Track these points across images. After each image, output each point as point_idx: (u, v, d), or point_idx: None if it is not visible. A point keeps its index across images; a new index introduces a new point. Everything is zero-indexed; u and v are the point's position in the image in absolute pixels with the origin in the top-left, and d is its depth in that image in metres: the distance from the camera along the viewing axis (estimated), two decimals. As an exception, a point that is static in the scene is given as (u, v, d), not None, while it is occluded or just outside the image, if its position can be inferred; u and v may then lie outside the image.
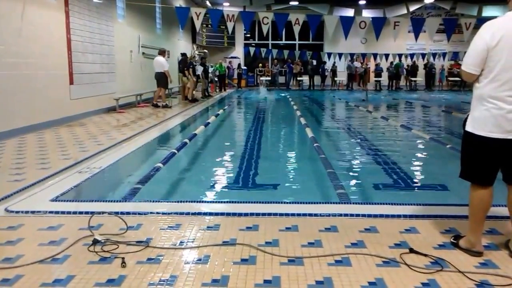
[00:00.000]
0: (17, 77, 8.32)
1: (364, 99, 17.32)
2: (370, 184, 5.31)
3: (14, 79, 8.24)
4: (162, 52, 14.45)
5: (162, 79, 13.97)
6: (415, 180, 5.68)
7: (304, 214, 3.81)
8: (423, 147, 8.09)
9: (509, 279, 2.66)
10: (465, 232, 3.20)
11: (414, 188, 5.35)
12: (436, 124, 11.67)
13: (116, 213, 3.73)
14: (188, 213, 3.85)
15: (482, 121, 2.93)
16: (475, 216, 3.06)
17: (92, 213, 3.66)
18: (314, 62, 26.94)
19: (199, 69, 17.53)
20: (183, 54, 17.38)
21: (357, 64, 26.87)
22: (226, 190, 5.17)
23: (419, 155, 7.49)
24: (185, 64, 16.37)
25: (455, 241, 3.21)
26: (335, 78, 27.73)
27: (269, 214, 3.81)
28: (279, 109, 15.34)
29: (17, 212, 3.91)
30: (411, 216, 3.76)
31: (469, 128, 3.03)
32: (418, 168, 6.49)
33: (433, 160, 6.95)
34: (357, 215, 3.79)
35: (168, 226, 3.57)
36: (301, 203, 4.18)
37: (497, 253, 3.06)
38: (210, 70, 21.57)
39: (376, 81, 26.81)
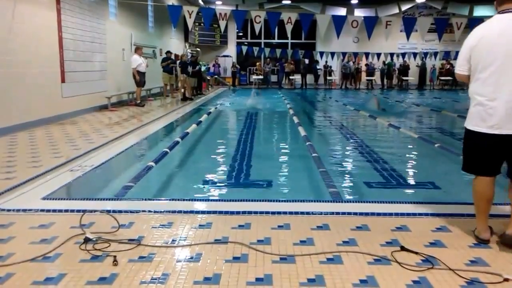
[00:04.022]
0: (8, 75, 8.26)
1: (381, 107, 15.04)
2: (362, 183, 5.34)
3: (5, 77, 8.18)
4: (136, 49, 14.25)
5: (133, 77, 13.88)
6: (406, 179, 5.71)
7: (296, 212, 3.82)
8: (414, 146, 8.14)
9: (499, 277, 2.68)
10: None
11: (405, 187, 5.37)
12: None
13: (108, 211, 3.73)
14: (180, 211, 3.85)
15: (472, 116, 3.20)
16: (477, 205, 3.27)
17: (84, 211, 3.65)
18: (307, 61, 26.97)
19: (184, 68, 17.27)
20: (167, 52, 17.22)
21: (350, 63, 26.95)
22: (218, 188, 5.18)
23: (411, 154, 7.53)
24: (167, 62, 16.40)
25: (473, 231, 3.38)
26: (328, 77, 27.80)
27: (261, 213, 3.81)
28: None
29: (8, 210, 3.90)
30: (402, 214, 3.79)
31: (465, 123, 3.29)
32: (409, 166, 6.53)
33: (425, 159, 7.00)
34: (349, 213, 3.81)
35: (160, 224, 3.56)
36: (293, 201, 4.19)
37: (487, 251, 3.09)
38: (203, 69, 21.46)
39: (368, 80, 26.90)
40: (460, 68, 3.26)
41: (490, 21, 3.19)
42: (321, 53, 26.53)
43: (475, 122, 3.16)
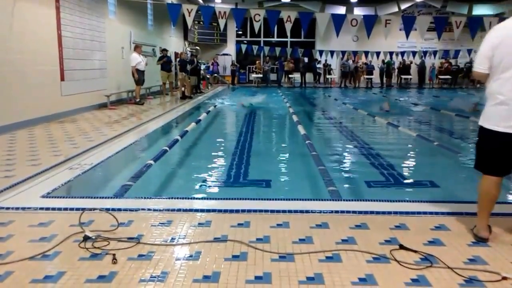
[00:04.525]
0: (8, 73, 8.25)
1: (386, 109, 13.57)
2: (361, 181, 5.34)
3: (5, 75, 8.17)
4: (135, 47, 14.24)
5: (132, 76, 13.86)
6: (405, 177, 5.72)
7: (295, 211, 3.82)
8: (412, 144, 8.14)
9: (497, 275, 2.69)
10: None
11: (404, 185, 5.38)
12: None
13: (107, 209, 3.73)
14: (179, 210, 3.85)
15: (490, 115, 3.18)
16: (481, 203, 3.29)
17: (83, 209, 3.66)
18: (306, 60, 26.95)
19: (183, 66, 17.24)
20: (162, 50, 17.18)
21: (349, 62, 26.95)
22: (218, 186, 5.18)
23: (410, 152, 7.53)
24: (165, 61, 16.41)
25: (472, 229, 3.39)
26: (328, 76, 27.80)
27: (260, 211, 3.82)
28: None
29: (8, 208, 3.90)
30: (401, 213, 3.79)
31: (480, 122, 3.28)
32: (408, 165, 6.53)
33: (424, 158, 7.00)
34: (348, 212, 3.81)
35: (159, 223, 3.57)
36: (292, 199, 4.20)
37: (486, 249, 3.10)
38: (202, 67, 21.43)
39: (367, 79, 26.90)
40: (480, 66, 3.20)
41: (508, 21, 3.16)
42: (321, 52, 26.51)
43: (493, 122, 3.14)
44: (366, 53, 25.87)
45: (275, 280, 2.64)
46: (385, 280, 2.65)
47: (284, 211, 3.82)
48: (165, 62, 16.36)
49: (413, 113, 13.39)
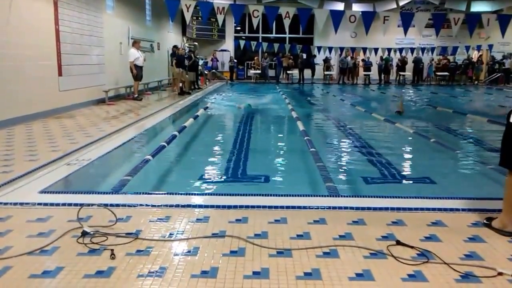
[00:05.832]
0: (5, 68, 8.23)
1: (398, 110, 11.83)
2: (359, 177, 5.36)
3: (2, 70, 8.15)
4: (133, 43, 14.23)
5: (130, 71, 13.86)
6: (402, 173, 5.74)
7: (293, 207, 3.84)
8: (409, 141, 8.16)
9: (493, 271, 2.71)
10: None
11: (401, 181, 5.40)
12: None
13: (105, 205, 3.74)
14: (177, 205, 3.86)
15: None
16: (510, 198, 3.27)
17: (81, 205, 3.66)
18: (304, 56, 26.89)
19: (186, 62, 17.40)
20: (174, 47, 17.31)
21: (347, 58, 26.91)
22: (216, 182, 5.19)
23: (407, 149, 7.55)
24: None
25: (487, 222, 3.39)
26: (326, 72, 27.73)
27: (258, 207, 3.83)
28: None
29: (6, 203, 3.90)
30: (398, 209, 3.81)
31: None
32: (405, 161, 6.55)
33: (421, 154, 7.02)
34: (345, 208, 3.83)
35: (158, 218, 3.58)
36: (290, 195, 4.21)
37: (482, 245, 3.11)
38: (200, 62, 21.42)
39: (365, 75, 26.89)
40: None
41: None
42: (319, 48, 26.48)
43: None
44: (364, 49, 25.86)
45: (273, 276, 2.65)
46: (382, 275, 2.66)
47: (282, 207, 3.83)
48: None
49: (411, 109, 13.39)
